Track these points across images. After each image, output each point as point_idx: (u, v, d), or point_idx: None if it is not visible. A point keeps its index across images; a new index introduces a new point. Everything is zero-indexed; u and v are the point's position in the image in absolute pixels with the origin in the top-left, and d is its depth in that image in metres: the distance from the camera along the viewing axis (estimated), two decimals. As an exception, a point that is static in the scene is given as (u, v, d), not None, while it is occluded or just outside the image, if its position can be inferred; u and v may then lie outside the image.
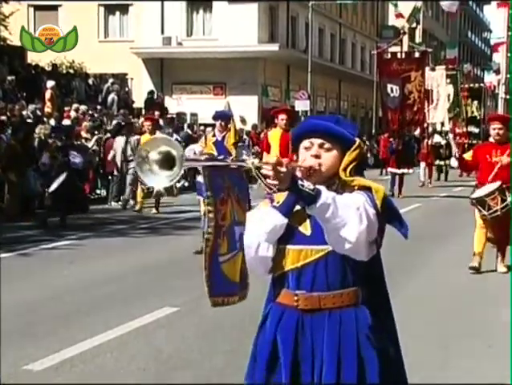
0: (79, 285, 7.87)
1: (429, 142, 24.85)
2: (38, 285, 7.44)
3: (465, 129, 25.95)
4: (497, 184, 8.79)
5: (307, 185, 2.67)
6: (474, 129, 29.51)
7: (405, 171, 20.27)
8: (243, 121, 31.26)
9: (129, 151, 16.60)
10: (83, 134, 18.41)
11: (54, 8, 35.74)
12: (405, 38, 46.99)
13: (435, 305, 7.56)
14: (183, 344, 6.05)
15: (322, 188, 2.72)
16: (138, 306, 7.18)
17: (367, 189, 2.87)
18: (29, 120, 17.65)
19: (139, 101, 29.76)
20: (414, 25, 48.34)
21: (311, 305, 2.90)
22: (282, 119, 11.93)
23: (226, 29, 34.17)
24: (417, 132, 25.23)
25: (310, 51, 36.45)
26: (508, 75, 70.07)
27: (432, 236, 12.35)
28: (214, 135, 10.95)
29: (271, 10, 36.85)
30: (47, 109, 20.48)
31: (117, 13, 37.12)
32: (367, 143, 35.64)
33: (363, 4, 47.46)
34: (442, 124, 29.41)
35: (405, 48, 41.94)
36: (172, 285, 8.29)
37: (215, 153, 11.03)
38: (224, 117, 11.13)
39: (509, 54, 65.50)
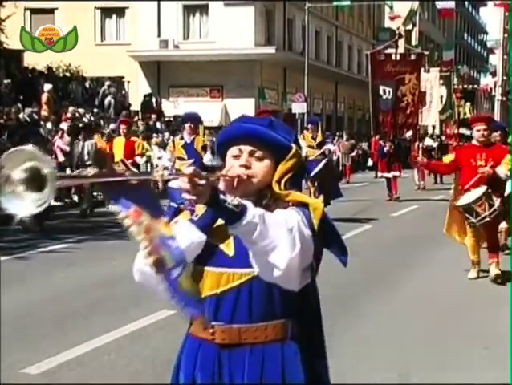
0: (77, 288, 7.85)
1: (420, 145, 24.57)
2: (36, 289, 7.42)
3: (456, 131, 25.78)
4: (483, 188, 8.39)
5: (230, 200, 2.25)
6: (466, 131, 29.48)
7: (396, 174, 19.85)
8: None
9: (86, 156, 16.40)
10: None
11: (51, 11, 35.73)
12: (401, 41, 47.03)
13: (434, 306, 7.55)
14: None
15: (248, 204, 2.27)
16: (136, 309, 7.16)
17: (303, 206, 2.44)
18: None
19: (135, 104, 29.75)
20: (410, 27, 48.41)
21: (230, 339, 2.48)
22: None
23: (223, 31, 34.19)
24: (409, 134, 24.95)
25: (307, 54, 36.47)
26: (504, 77, 70.16)
27: (431, 236, 12.35)
28: (182, 138, 10.84)
29: (268, 13, 36.88)
30: (44, 112, 20.47)
31: (114, 16, 37.13)
32: (364, 145, 35.67)
33: (360, 6, 47.48)
34: (434, 127, 29.42)
35: (401, 50, 41.99)
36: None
37: (185, 156, 10.91)
38: (193, 119, 11.00)
39: (505, 56, 65.62)
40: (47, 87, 21.64)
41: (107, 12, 36.88)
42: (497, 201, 8.37)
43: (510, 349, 5.36)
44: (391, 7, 44.83)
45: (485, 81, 67.29)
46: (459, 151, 9.36)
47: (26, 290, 8.07)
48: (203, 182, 2.20)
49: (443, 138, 26.97)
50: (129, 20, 36.69)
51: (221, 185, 2.40)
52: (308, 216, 2.41)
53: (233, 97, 33.62)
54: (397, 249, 11.22)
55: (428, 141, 25.79)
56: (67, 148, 17.38)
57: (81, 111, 21.83)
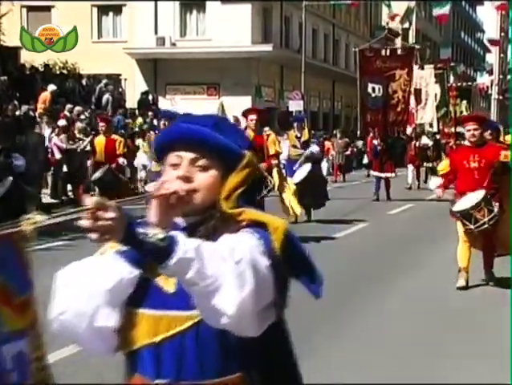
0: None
1: (417, 144, 24.21)
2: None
3: (453, 129, 25.54)
4: (482, 193, 7.98)
5: (153, 234, 1.75)
6: (463, 130, 29.28)
7: (388, 174, 19.08)
8: (237, 121, 31.25)
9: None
10: (77, 134, 18.40)
11: (48, 9, 35.68)
12: (398, 39, 47.05)
13: (433, 305, 7.54)
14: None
15: (179, 235, 1.79)
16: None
17: (260, 226, 1.94)
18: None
19: (132, 102, 29.73)
20: (407, 25, 48.45)
21: None
22: (251, 119, 11.05)
23: (220, 29, 34.18)
24: (409, 131, 24.54)
25: (304, 52, 36.47)
26: (501, 76, 70.21)
27: (424, 236, 12.37)
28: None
29: (265, 11, 36.87)
30: (40, 110, 20.45)
31: (110, 13, 37.09)
32: (360, 143, 35.68)
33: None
34: (430, 125, 29.33)
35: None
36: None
37: None
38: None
39: (502, 55, 65.67)
40: (51, 87, 21.66)
41: (103, 9, 36.83)
42: (496, 206, 7.98)
43: (510, 349, 5.35)
44: (388, 6, 44.86)
45: (482, 80, 67.33)
46: (452, 154, 9.13)
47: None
48: (111, 215, 1.70)
49: (437, 136, 26.88)
50: (126, 17, 36.66)
51: (153, 206, 1.87)
52: (267, 239, 1.92)
53: (230, 95, 33.59)
54: (390, 249, 11.22)
55: (424, 140, 25.62)
56: (64, 146, 17.37)
57: (78, 108, 21.79)
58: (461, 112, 31.04)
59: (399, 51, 22.78)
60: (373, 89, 20.69)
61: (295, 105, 34.46)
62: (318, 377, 5.30)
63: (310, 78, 37.44)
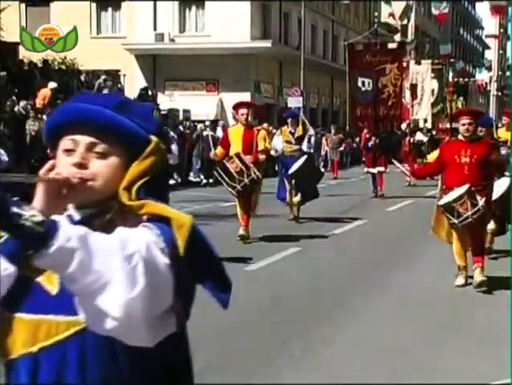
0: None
1: (411, 140, 23.89)
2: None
3: (448, 125, 25.31)
4: (466, 186, 7.73)
5: (30, 215, 1.47)
6: (458, 125, 29.13)
7: (381, 169, 18.74)
8: (235, 118, 31.25)
9: None
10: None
11: (46, 4, 35.61)
12: (397, 36, 47.06)
13: (433, 302, 7.52)
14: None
15: (61, 219, 1.55)
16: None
17: (162, 221, 1.70)
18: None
19: (131, 98, 29.70)
20: (405, 21, 48.48)
21: None
22: (242, 113, 11.05)
23: (219, 25, 34.14)
24: (403, 127, 24.15)
25: (303, 48, 36.43)
26: (500, 72, 70.21)
27: (421, 233, 12.37)
28: None
29: (264, 7, 36.83)
30: (38, 105, 20.43)
31: (109, 9, 37.03)
32: (358, 139, 35.65)
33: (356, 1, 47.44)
34: (425, 121, 29.27)
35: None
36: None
37: None
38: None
39: (501, 52, 65.67)
40: (52, 84, 21.65)
41: (102, 5, 36.77)
42: (481, 201, 7.70)
43: (510, 349, 5.34)
44: (388, 2, 44.92)
45: (481, 76, 67.36)
46: (443, 147, 8.63)
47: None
48: None
49: (433, 132, 26.82)
50: (125, 13, 36.60)
51: (38, 191, 1.62)
52: (169, 236, 1.67)
53: (229, 91, 33.54)
54: (386, 247, 11.23)
55: (419, 136, 25.49)
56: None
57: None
58: (458, 108, 31.08)
59: (389, 46, 22.35)
60: (363, 83, 20.35)
61: (294, 101, 34.43)
62: (317, 376, 5.31)
63: (309, 74, 37.39)
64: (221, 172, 10.76)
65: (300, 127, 13.73)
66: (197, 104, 32.52)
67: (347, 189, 21.30)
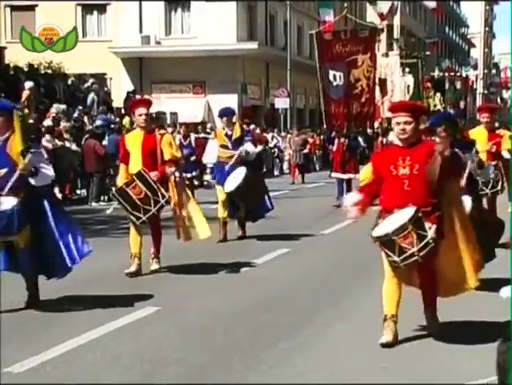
0: (60, 285, 7.82)
1: (383, 140, 22.27)
2: (19, 286, 7.39)
3: (427, 124, 24.89)
4: (411, 211, 5.56)
5: None
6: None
7: (352, 176, 16.12)
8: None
9: None
10: (64, 135, 18.39)
11: (31, 8, 35.52)
12: (383, 35, 47.14)
13: (420, 301, 7.52)
14: (165, 343, 6.04)
15: None
16: (120, 306, 7.16)
17: None
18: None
19: (118, 101, 29.65)
20: (391, 21, 48.65)
21: None
22: (139, 114, 8.47)
23: (205, 27, 34.15)
24: (376, 125, 22.70)
25: (289, 49, 36.51)
26: (485, 70, 70.42)
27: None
28: None
29: (250, 8, 36.87)
30: (25, 110, 20.35)
31: (95, 12, 36.98)
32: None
33: (341, 1, 47.51)
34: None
35: (383, 45, 42.06)
36: (153, 284, 8.29)
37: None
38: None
39: (486, 50, 65.88)
40: (28, 84, 21.51)
41: (88, 8, 36.71)
42: (431, 230, 5.58)
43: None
44: (372, 1, 45.03)
45: (467, 74, 67.63)
46: (375, 157, 6.25)
47: (11, 288, 8.04)
48: None
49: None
50: (111, 16, 36.56)
51: None
52: None
53: (216, 93, 33.56)
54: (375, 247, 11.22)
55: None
56: (50, 146, 17.29)
57: (62, 107, 21.74)
58: (435, 106, 30.29)
59: (359, 34, 19.99)
60: (334, 77, 18.34)
61: (281, 102, 34.50)
62: (307, 375, 5.33)
63: (296, 75, 37.44)
64: (121, 200, 8.40)
65: (237, 126, 11.51)
66: (184, 107, 32.52)
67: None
